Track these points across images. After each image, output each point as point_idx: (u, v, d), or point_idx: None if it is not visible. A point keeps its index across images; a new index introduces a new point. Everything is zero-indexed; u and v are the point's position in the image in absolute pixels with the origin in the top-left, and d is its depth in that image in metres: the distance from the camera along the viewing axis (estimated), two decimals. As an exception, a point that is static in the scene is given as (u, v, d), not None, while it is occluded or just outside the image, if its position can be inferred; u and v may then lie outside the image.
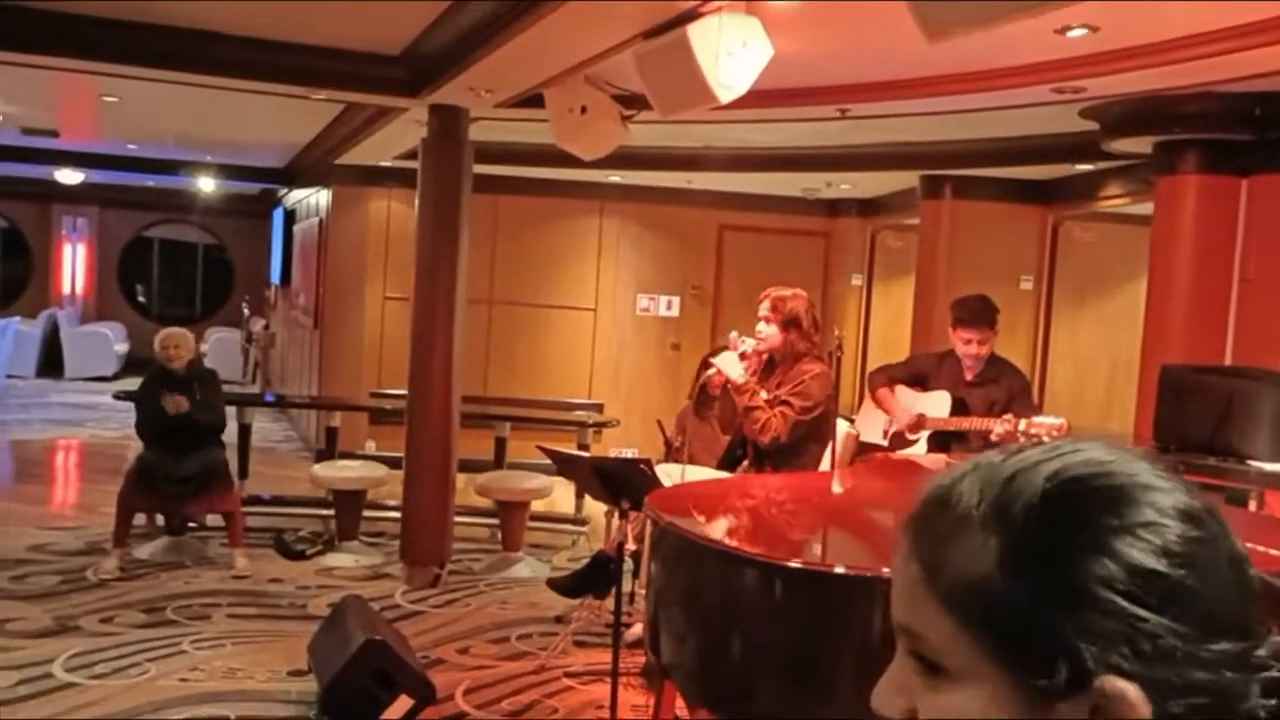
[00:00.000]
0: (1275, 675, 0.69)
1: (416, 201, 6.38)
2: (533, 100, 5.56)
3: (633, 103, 5.23)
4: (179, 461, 6.11)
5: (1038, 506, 0.68)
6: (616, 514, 4.60)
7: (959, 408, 4.80)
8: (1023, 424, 4.38)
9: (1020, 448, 0.73)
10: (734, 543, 3.17)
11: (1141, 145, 5.65)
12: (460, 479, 6.55)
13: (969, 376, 4.91)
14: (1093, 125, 5.57)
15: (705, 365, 5.69)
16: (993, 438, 4.51)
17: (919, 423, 4.86)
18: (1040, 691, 0.66)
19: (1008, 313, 5.40)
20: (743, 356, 4.52)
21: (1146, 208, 6.00)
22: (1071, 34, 4.10)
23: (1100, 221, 7.79)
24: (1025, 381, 5.18)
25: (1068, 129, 5.92)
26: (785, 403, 4.41)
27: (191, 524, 6.62)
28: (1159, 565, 0.66)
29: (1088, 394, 7.56)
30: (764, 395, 4.49)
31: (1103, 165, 6.69)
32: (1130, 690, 0.65)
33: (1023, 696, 0.67)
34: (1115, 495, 0.68)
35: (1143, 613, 0.65)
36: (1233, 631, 0.67)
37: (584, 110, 5.26)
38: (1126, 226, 7.35)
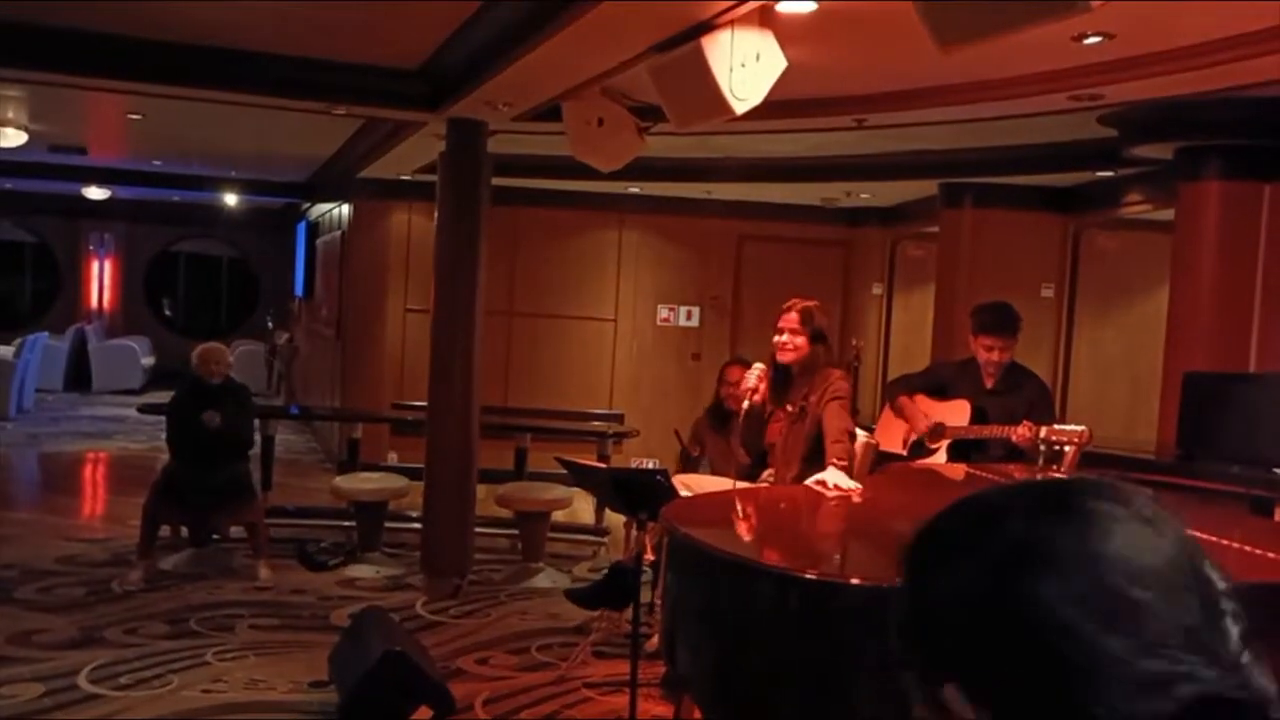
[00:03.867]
0: None
1: (436, 214, 6.42)
2: (551, 113, 5.59)
3: (649, 114, 5.25)
4: (204, 474, 6.17)
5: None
6: (634, 525, 4.60)
7: (979, 417, 4.78)
8: (1043, 431, 4.34)
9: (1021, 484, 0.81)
10: (749, 553, 3.17)
11: (1163, 151, 5.62)
12: (481, 490, 6.58)
13: (989, 385, 4.88)
14: (1112, 132, 5.54)
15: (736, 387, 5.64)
16: (1014, 440, 4.48)
17: (939, 431, 4.84)
18: None
19: (1029, 321, 5.36)
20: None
21: (1169, 214, 5.96)
22: (1088, 41, 4.09)
23: (1122, 229, 7.75)
24: (1046, 390, 5.14)
25: (1088, 135, 5.90)
26: (836, 398, 4.34)
27: (215, 535, 6.67)
28: None
29: (1111, 402, 7.51)
30: (789, 408, 4.46)
31: (1124, 172, 6.66)
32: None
33: None
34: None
35: None
36: None
37: (601, 122, 5.29)
38: (1149, 233, 7.30)
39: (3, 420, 11.77)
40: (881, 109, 5.28)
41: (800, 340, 4.43)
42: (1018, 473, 4.15)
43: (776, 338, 4.50)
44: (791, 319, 4.47)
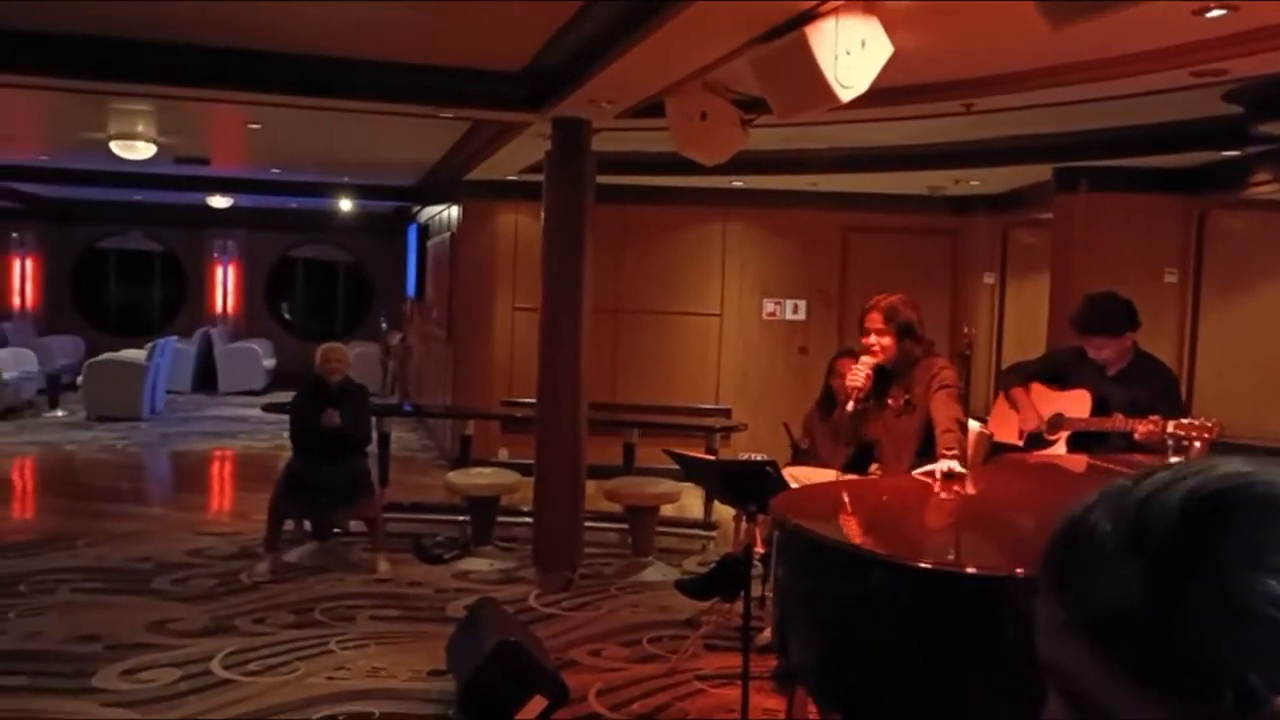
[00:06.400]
0: None
1: (542, 214, 6.51)
2: (653, 109, 5.62)
3: (752, 107, 5.24)
4: (325, 470, 6.39)
5: (1177, 526, 0.64)
6: (744, 517, 4.59)
7: (1100, 406, 4.61)
8: (1170, 425, 4.16)
9: (1152, 470, 0.69)
10: (861, 543, 3.14)
11: (1292, 127, 5.36)
12: (590, 485, 6.65)
13: (1111, 372, 4.71)
14: (1237, 109, 5.31)
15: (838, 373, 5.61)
16: (1136, 437, 4.32)
17: (1057, 422, 4.70)
18: None
19: (1150, 308, 5.16)
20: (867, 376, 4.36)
21: (1300, 193, 5.69)
22: (1210, 14, 3.93)
23: (1249, 209, 7.41)
24: (1172, 378, 4.94)
25: (1211, 113, 5.66)
26: (943, 388, 4.22)
27: (336, 530, 6.90)
28: None
29: (1239, 390, 7.19)
30: (890, 402, 4.39)
31: (1250, 150, 6.37)
32: None
33: None
34: (1261, 505, 0.64)
35: None
36: None
37: (704, 116, 5.30)
38: (1278, 214, 6.97)
39: (137, 420, 12.37)
40: (991, 92, 5.15)
41: (887, 340, 4.33)
42: (1145, 463, 4.00)
43: (864, 338, 4.40)
44: (875, 319, 4.35)
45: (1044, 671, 0.69)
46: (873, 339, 4.34)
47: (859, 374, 4.33)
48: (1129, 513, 0.67)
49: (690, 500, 7.50)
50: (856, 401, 4.33)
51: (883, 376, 4.39)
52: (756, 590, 4.52)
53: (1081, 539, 0.68)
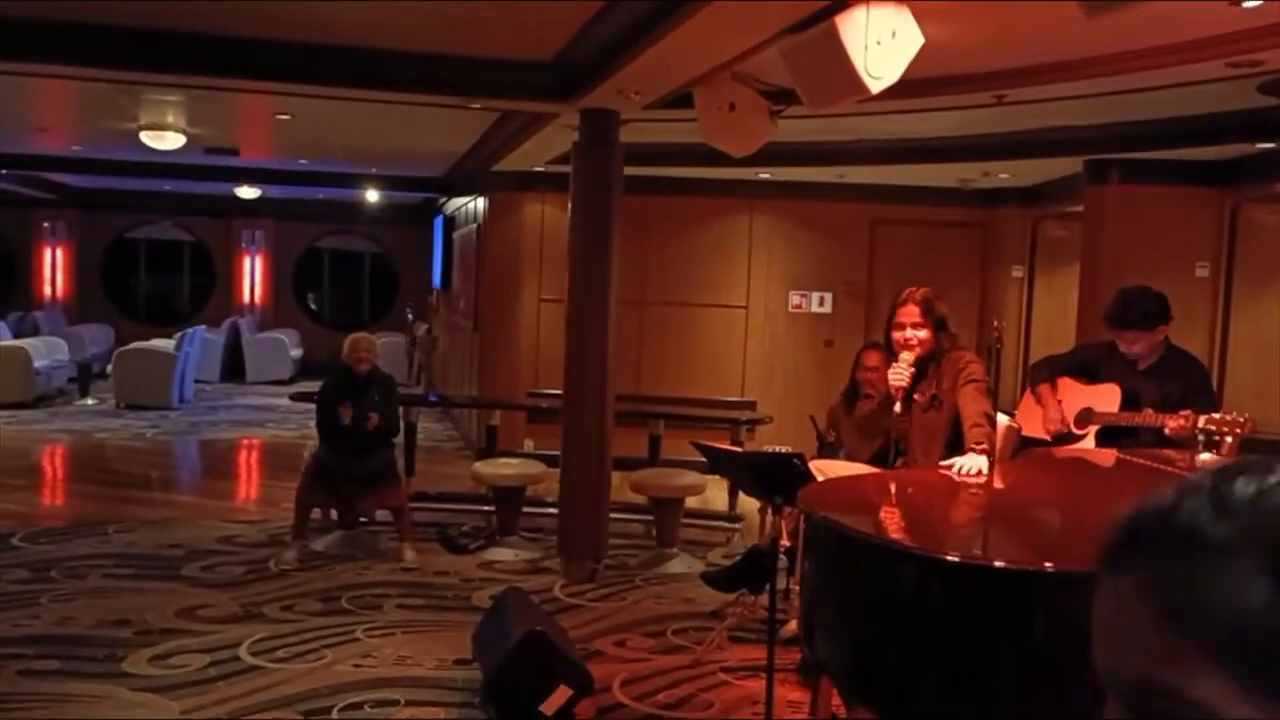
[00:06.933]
0: None
1: (569, 205, 6.51)
2: (682, 100, 5.61)
3: (781, 97, 5.21)
4: (352, 460, 6.42)
5: None
6: (770, 509, 4.58)
7: (1131, 401, 4.57)
8: (1201, 420, 4.11)
9: (1240, 464, 0.66)
10: (890, 536, 3.13)
11: (1329, 120, 5.29)
12: (615, 476, 6.65)
13: (1142, 366, 4.67)
14: (1273, 101, 5.24)
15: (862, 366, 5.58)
16: (1166, 432, 4.28)
17: (1086, 416, 4.66)
18: None
19: (1182, 302, 5.10)
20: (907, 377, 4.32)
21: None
22: (1246, 4, 3.88)
23: (1284, 203, 7.32)
24: (1204, 373, 4.88)
25: (1246, 105, 5.59)
26: (971, 381, 4.19)
27: (363, 519, 6.94)
28: None
29: (1271, 386, 7.11)
30: (917, 397, 4.35)
31: (1286, 143, 6.29)
32: None
33: None
34: None
35: None
36: None
37: (733, 107, 5.28)
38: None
39: (166, 409, 12.48)
40: (1023, 84, 5.11)
41: (924, 333, 4.27)
42: (1175, 457, 3.97)
43: (897, 333, 4.33)
44: (912, 311, 4.27)
45: (1102, 674, 0.67)
46: (909, 333, 4.27)
47: (903, 372, 4.24)
48: (1241, 510, 0.63)
49: (715, 492, 7.50)
50: (901, 400, 4.27)
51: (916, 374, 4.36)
52: (782, 583, 4.52)
53: (1179, 535, 0.65)
